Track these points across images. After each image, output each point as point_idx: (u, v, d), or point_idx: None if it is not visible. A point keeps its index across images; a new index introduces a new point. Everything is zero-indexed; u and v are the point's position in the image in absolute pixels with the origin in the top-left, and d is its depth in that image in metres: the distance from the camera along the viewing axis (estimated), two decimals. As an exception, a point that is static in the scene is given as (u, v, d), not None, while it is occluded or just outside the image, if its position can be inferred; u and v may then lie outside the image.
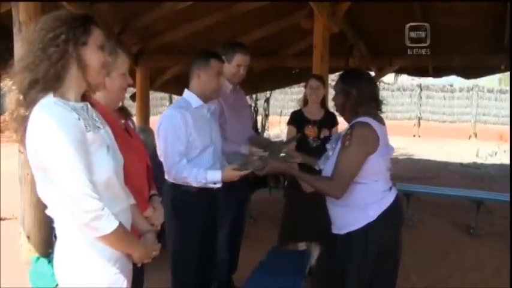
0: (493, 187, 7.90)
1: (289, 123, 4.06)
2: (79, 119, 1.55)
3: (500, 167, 11.31)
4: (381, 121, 2.51)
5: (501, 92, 20.58)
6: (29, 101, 1.55)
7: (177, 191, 2.75)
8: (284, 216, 4.09)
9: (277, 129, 15.39)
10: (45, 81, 1.55)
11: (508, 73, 8.82)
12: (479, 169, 11.15)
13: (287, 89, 18.67)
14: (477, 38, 6.73)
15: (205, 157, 2.78)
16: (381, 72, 7.93)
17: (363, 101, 2.48)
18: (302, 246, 4.16)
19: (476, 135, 19.12)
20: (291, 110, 4.39)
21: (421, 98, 21.04)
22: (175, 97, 13.42)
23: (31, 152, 1.55)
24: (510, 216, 4.76)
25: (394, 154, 2.66)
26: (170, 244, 2.81)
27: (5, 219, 5.64)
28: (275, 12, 6.19)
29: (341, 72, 2.75)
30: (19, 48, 3.66)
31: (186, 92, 2.87)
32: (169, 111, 2.83)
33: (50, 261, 3.19)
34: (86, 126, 1.57)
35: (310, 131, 3.91)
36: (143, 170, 2.24)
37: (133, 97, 7.45)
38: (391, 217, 2.48)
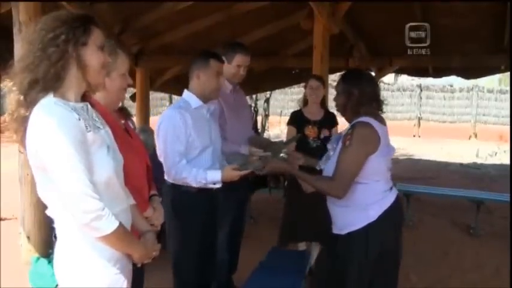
0: (493, 187, 7.90)
1: (289, 123, 4.06)
2: (79, 119, 1.55)
3: (500, 167, 11.30)
4: (382, 121, 2.51)
5: (501, 92, 20.59)
6: (29, 101, 1.55)
7: (177, 191, 2.75)
8: (284, 216, 4.09)
9: (277, 129, 15.40)
10: (45, 81, 1.55)
11: (508, 73, 8.83)
12: (479, 169, 11.15)
13: (287, 89, 18.67)
14: (477, 38, 6.73)
15: (205, 157, 2.78)
16: (381, 73, 7.94)
17: (365, 101, 2.48)
18: (302, 246, 4.16)
19: (476, 136, 19.12)
20: (291, 110, 4.39)
21: (421, 98, 21.04)
22: (175, 97, 13.42)
23: (31, 152, 1.55)
24: (510, 217, 4.76)
25: (394, 154, 2.66)
26: (171, 245, 2.81)
27: (5, 219, 5.64)
28: (275, 12, 6.19)
29: (343, 73, 2.75)
30: (19, 48, 3.66)
31: (186, 93, 2.87)
32: (169, 112, 2.83)
33: (50, 261, 3.19)
34: (86, 127, 1.57)
35: (310, 131, 3.91)
36: (143, 171, 2.24)
37: (133, 97, 7.45)
38: (392, 217, 2.48)
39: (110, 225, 1.55)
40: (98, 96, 1.94)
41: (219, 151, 2.92)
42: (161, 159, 2.77)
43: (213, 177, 2.68)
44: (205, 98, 2.84)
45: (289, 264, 3.47)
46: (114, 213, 1.58)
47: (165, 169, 2.77)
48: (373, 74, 7.62)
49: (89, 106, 1.68)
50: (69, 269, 1.64)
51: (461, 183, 8.52)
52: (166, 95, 16.93)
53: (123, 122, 2.25)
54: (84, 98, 1.68)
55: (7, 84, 1.60)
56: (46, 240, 3.87)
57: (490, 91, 20.81)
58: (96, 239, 1.58)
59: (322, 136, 3.90)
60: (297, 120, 4.00)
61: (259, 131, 10.94)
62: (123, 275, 1.71)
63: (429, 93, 21.23)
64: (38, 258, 3.84)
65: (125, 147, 1.89)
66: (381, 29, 6.76)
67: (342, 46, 6.89)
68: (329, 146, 2.69)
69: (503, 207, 5.95)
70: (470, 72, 8.13)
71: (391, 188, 2.53)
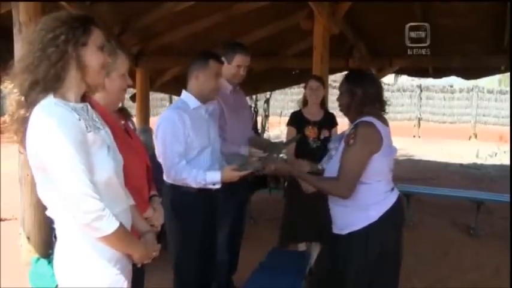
0: (493, 188, 7.90)
1: (289, 124, 4.05)
2: (80, 120, 1.55)
3: (500, 167, 11.30)
4: (384, 122, 2.51)
5: (501, 92, 20.57)
6: (29, 102, 1.55)
7: (177, 192, 2.75)
8: (284, 216, 4.09)
9: (277, 130, 15.38)
10: (46, 82, 1.55)
11: (508, 74, 8.82)
12: (479, 170, 11.15)
13: (287, 90, 18.67)
14: (477, 38, 6.73)
15: (204, 158, 2.78)
16: (381, 73, 7.93)
17: (368, 101, 2.49)
18: (302, 246, 4.16)
19: (476, 136, 19.11)
20: (291, 111, 4.39)
21: (421, 98, 21.04)
22: (175, 98, 13.39)
23: (31, 152, 1.55)
24: (510, 217, 4.76)
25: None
26: (171, 245, 2.81)
27: (5, 219, 5.65)
28: (275, 13, 6.19)
29: (346, 72, 2.75)
30: (19, 48, 3.65)
31: (184, 93, 2.86)
32: (168, 112, 2.82)
33: (50, 262, 3.19)
34: (86, 127, 1.57)
35: (310, 132, 3.91)
36: (143, 171, 2.24)
37: (133, 98, 7.45)
38: (393, 218, 2.48)
39: (111, 225, 1.56)
40: (98, 97, 1.94)
41: (218, 151, 2.92)
42: (160, 160, 2.77)
43: (212, 178, 2.68)
44: (203, 99, 2.83)
45: (289, 264, 3.47)
46: (115, 214, 1.58)
47: (164, 170, 2.76)
48: (373, 74, 7.61)
49: (89, 106, 1.68)
50: (69, 270, 1.64)
51: (461, 183, 8.53)
52: (166, 96, 16.92)
53: (123, 122, 2.25)
54: (84, 98, 1.68)
55: (7, 85, 1.60)
56: (46, 240, 3.86)
57: (490, 92, 20.80)
58: (96, 240, 1.58)
59: (322, 137, 3.90)
60: (296, 120, 4.00)
61: (259, 131, 10.93)
62: (124, 275, 1.71)
63: (429, 94, 21.22)
64: (38, 259, 3.83)
65: (125, 147, 1.89)
66: (380, 29, 6.76)
67: (342, 46, 6.89)
68: (331, 146, 2.69)
69: (503, 208, 5.94)
70: (470, 72, 8.13)
71: (392, 189, 2.53)
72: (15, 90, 1.57)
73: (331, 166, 2.55)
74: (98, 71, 1.65)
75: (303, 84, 4.35)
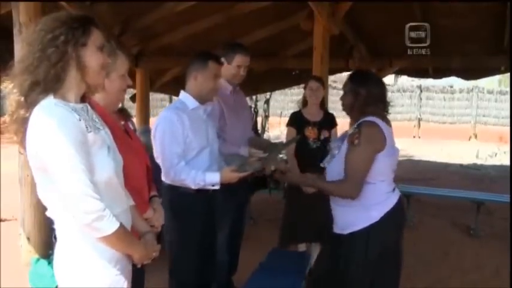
0: (493, 188, 7.90)
1: (289, 124, 4.05)
2: (80, 120, 1.55)
3: (500, 168, 11.31)
4: (387, 122, 2.51)
5: (501, 93, 20.57)
6: (29, 102, 1.55)
7: (175, 192, 2.74)
8: (284, 217, 4.09)
9: (277, 130, 15.38)
10: (46, 82, 1.55)
11: (508, 74, 8.82)
12: (479, 170, 11.16)
13: (287, 90, 18.66)
14: (477, 39, 6.74)
15: (202, 158, 2.77)
16: (381, 73, 7.90)
17: (371, 101, 2.49)
18: (302, 247, 4.16)
19: (476, 137, 19.11)
20: (291, 111, 4.39)
21: (421, 99, 21.04)
22: (175, 98, 13.37)
23: (31, 153, 1.55)
24: (510, 218, 4.76)
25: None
26: (168, 245, 2.80)
27: (5, 220, 5.64)
28: (275, 13, 6.19)
29: (351, 73, 2.76)
30: (19, 49, 3.65)
31: (182, 93, 2.85)
32: (166, 113, 2.80)
33: (50, 262, 3.19)
34: (86, 127, 1.57)
35: (310, 132, 3.91)
36: (143, 172, 2.24)
37: (133, 98, 7.46)
38: (394, 218, 2.48)
39: (111, 225, 1.56)
40: (98, 97, 1.94)
41: (216, 152, 2.92)
42: (158, 160, 2.75)
43: (211, 179, 2.68)
44: (201, 99, 2.83)
45: (289, 265, 3.47)
46: (115, 214, 1.58)
47: (163, 170, 2.75)
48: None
49: (89, 107, 1.68)
50: (69, 270, 1.64)
51: (461, 184, 8.53)
52: (166, 96, 16.91)
53: (122, 123, 2.25)
54: (83, 99, 1.68)
55: (7, 85, 1.60)
56: (46, 241, 3.86)
57: (490, 92, 20.80)
58: (96, 240, 1.58)
59: (322, 137, 3.90)
60: (296, 121, 4.00)
61: (259, 132, 10.93)
62: (124, 275, 1.71)
63: (429, 94, 21.22)
64: (38, 259, 3.83)
65: (125, 148, 1.89)
66: (380, 29, 6.76)
67: (342, 47, 6.89)
68: (333, 145, 2.68)
69: (503, 208, 5.94)
70: (470, 73, 8.13)
71: (393, 190, 2.53)
72: (15, 91, 1.57)
73: (333, 165, 2.55)
74: (97, 72, 1.65)
75: (302, 85, 4.35)
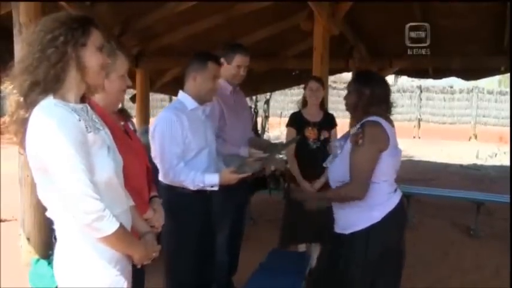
0: (493, 188, 7.90)
1: (289, 125, 4.05)
2: (80, 120, 1.55)
3: (500, 168, 11.31)
4: (390, 123, 2.52)
5: (501, 93, 20.59)
6: (29, 102, 1.55)
7: (173, 192, 2.73)
8: (284, 217, 4.08)
9: (277, 130, 15.39)
10: (46, 82, 1.55)
11: (508, 74, 8.82)
12: (479, 170, 11.16)
13: (287, 91, 18.66)
14: (477, 39, 6.74)
15: (201, 159, 2.76)
16: (381, 74, 7.92)
17: (375, 101, 2.50)
18: (302, 247, 4.16)
19: (476, 137, 19.12)
20: (291, 112, 4.39)
21: (421, 99, 21.05)
22: (174, 99, 13.40)
23: (31, 153, 1.55)
24: (510, 218, 4.76)
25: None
26: (165, 245, 2.78)
27: (5, 220, 5.64)
28: (275, 13, 6.19)
29: (355, 73, 2.77)
30: (19, 49, 3.66)
31: (181, 94, 2.84)
32: (165, 113, 2.79)
33: (50, 262, 3.19)
34: (86, 127, 1.57)
35: (310, 133, 3.90)
36: (143, 172, 2.24)
37: (133, 99, 7.46)
38: (396, 219, 2.48)
39: (111, 225, 1.56)
40: (97, 98, 1.94)
41: (214, 153, 2.91)
42: (156, 160, 2.73)
43: (210, 181, 2.68)
44: (200, 100, 2.82)
45: (289, 265, 3.47)
46: (115, 215, 1.58)
47: (162, 171, 2.73)
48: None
49: (89, 107, 1.68)
50: (69, 270, 1.64)
51: (461, 184, 8.54)
52: (166, 96, 16.90)
53: (122, 123, 2.25)
54: (83, 99, 1.68)
55: (7, 86, 1.60)
56: (46, 241, 3.86)
57: (490, 92, 20.81)
58: (96, 240, 1.58)
59: (322, 137, 3.89)
60: (296, 121, 4.00)
61: (259, 132, 10.94)
62: (124, 276, 1.71)
63: (429, 95, 21.23)
64: (38, 260, 3.83)
65: (124, 148, 1.89)
66: (381, 29, 6.77)
67: (342, 47, 6.89)
68: (336, 144, 2.68)
69: (503, 209, 5.94)
70: (470, 73, 8.14)
71: (395, 190, 2.53)
72: (15, 91, 1.57)
73: (336, 165, 2.55)
74: (97, 72, 1.65)
75: (302, 85, 4.34)
